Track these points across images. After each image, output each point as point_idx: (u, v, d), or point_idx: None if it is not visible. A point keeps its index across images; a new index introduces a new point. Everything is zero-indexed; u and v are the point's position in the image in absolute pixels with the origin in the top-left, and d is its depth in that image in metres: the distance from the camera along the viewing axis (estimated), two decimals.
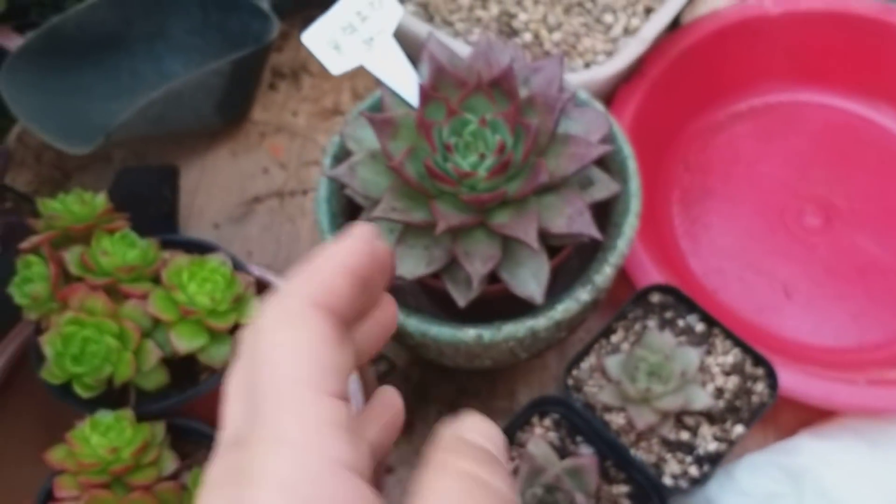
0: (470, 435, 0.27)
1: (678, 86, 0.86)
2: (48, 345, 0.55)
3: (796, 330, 0.80)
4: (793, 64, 0.90)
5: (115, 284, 0.57)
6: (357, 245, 0.30)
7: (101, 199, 0.61)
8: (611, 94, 0.84)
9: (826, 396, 0.70)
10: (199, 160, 0.92)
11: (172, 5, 0.92)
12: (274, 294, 0.29)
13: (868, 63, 0.89)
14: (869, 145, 0.88)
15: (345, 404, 0.26)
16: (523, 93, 0.65)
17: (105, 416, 0.54)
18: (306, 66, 0.97)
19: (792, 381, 0.71)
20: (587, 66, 0.82)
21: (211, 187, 0.90)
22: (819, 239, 0.84)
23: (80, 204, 0.60)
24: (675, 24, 0.90)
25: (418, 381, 0.79)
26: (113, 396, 0.57)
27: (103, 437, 0.53)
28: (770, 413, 0.77)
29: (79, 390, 0.55)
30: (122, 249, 0.58)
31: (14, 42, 0.92)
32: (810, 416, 0.76)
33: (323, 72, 0.97)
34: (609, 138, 0.69)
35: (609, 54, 0.82)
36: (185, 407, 0.59)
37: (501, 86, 0.62)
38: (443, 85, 0.63)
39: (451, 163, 0.61)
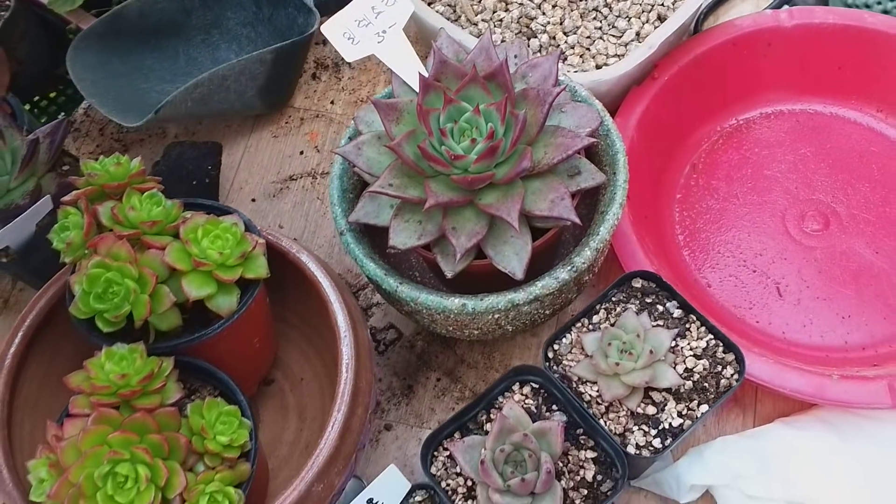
0: None
1: (689, 91, 0.91)
2: (76, 284, 0.63)
3: (784, 327, 0.83)
4: (805, 75, 0.93)
5: (140, 236, 0.65)
6: None
7: (135, 163, 0.69)
8: (622, 97, 0.89)
9: (797, 387, 0.74)
10: (243, 140, 1.01)
11: None
12: None
13: (879, 77, 0.92)
14: (875, 156, 0.91)
15: None
16: (519, 86, 0.71)
17: (120, 348, 0.62)
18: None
19: (766, 370, 0.75)
20: (598, 68, 0.87)
21: (251, 165, 0.99)
22: (816, 243, 0.87)
23: (116, 165, 0.68)
24: (696, 33, 0.95)
25: (422, 351, 0.85)
26: (133, 334, 0.66)
27: (116, 365, 0.61)
28: (750, 402, 0.81)
29: (100, 325, 0.63)
30: (148, 206, 0.66)
31: None
32: (790, 407, 0.80)
33: (362, 64, 1.04)
34: (598, 133, 0.74)
35: (620, 58, 0.87)
36: (195, 348, 0.67)
37: (497, 79, 0.69)
38: (444, 76, 0.70)
39: (445, 146, 0.67)
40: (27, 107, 1.13)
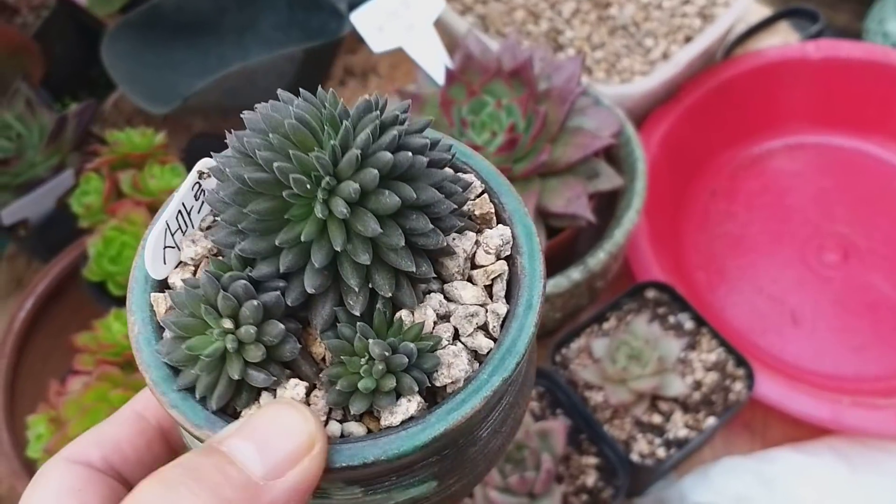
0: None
1: (713, 115, 0.91)
2: (92, 246, 0.64)
3: (797, 355, 0.82)
4: (829, 108, 0.94)
5: (157, 203, 0.66)
6: (146, 393, 0.32)
7: (160, 137, 0.70)
8: (645, 116, 0.89)
9: (807, 410, 0.73)
10: None
11: (264, 1, 1.03)
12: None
13: None
14: None
15: None
16: (543, 86, 0.71)
17: None
18: (375, 69, 1.06)
19: (776, 391, 0.74)
20: (623, 83, 0.88)
21: None
22: (834, 273, 0.86)
23: (141, 136, 0.69)
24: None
25: None
26: None
27: (123, 326, 0.61)
28: (759, 426, 0.80)
29: (112, 288, 0.64)
30: (168, 176, 0.67)
31: None
32: (799, 434, 0.78)
33: (390, 74, 1.05)
34: (618, 136, 0.74)
35: (645, 75, 0.88)
36: None
37: (521, 75, 0.69)
38: (469, 71, 0.71)
39: (465, 138, 0.67)
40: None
